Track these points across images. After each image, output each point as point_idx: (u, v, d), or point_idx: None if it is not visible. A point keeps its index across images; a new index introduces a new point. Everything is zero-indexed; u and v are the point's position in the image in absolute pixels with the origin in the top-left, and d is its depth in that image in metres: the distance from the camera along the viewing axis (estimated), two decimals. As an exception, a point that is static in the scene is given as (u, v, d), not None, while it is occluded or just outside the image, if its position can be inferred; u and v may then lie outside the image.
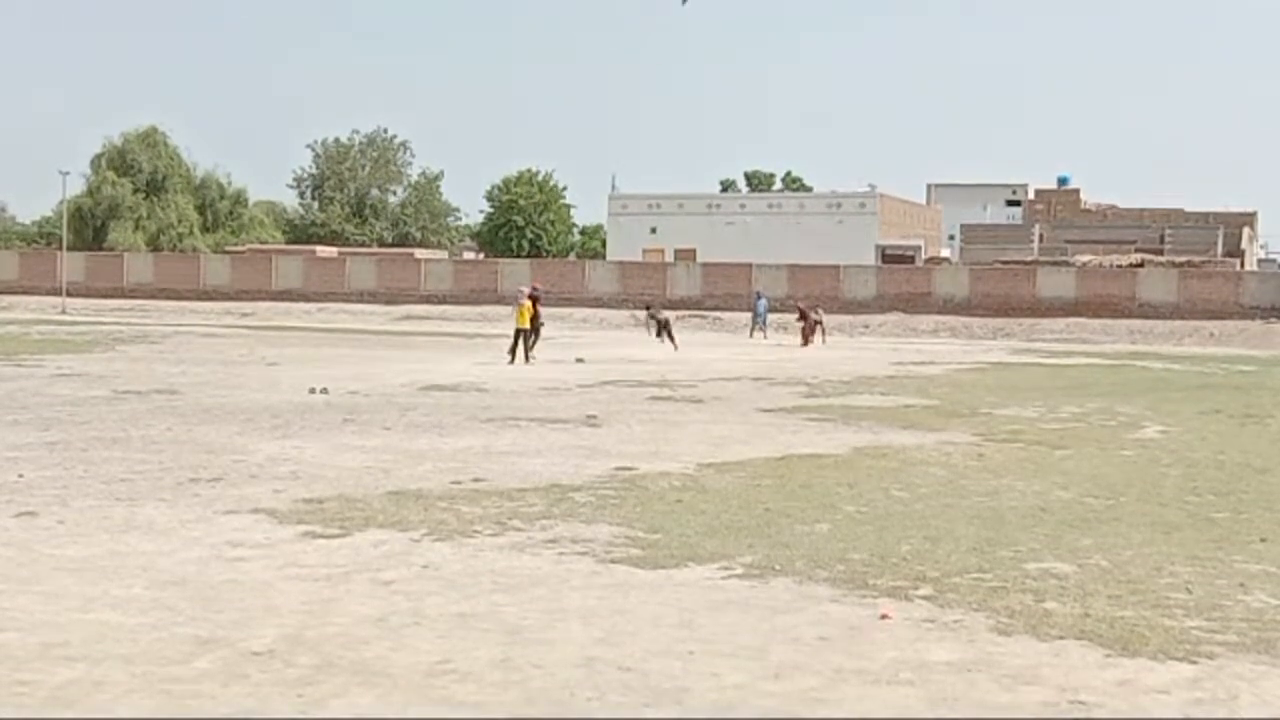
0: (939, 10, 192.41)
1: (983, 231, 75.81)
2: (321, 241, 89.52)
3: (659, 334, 40.70)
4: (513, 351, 31.73)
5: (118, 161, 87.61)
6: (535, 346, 32.91)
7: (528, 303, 32.84)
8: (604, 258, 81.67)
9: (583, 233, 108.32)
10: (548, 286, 62.72)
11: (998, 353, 42.61)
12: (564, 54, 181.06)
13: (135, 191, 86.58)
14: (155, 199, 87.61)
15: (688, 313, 56.99)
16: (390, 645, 7.21)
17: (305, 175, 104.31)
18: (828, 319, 49.19)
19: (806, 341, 44.87)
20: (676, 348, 38.11)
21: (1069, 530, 10.83)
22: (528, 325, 32.29)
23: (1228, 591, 8.74)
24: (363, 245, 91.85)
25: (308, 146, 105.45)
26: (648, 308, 45.50)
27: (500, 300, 57.88)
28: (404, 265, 68.25)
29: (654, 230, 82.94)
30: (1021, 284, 59.42)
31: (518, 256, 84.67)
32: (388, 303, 63.54)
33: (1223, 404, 23.42)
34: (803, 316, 46.36)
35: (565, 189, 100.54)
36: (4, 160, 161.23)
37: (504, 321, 39.25)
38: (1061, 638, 7.55)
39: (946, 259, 74.99)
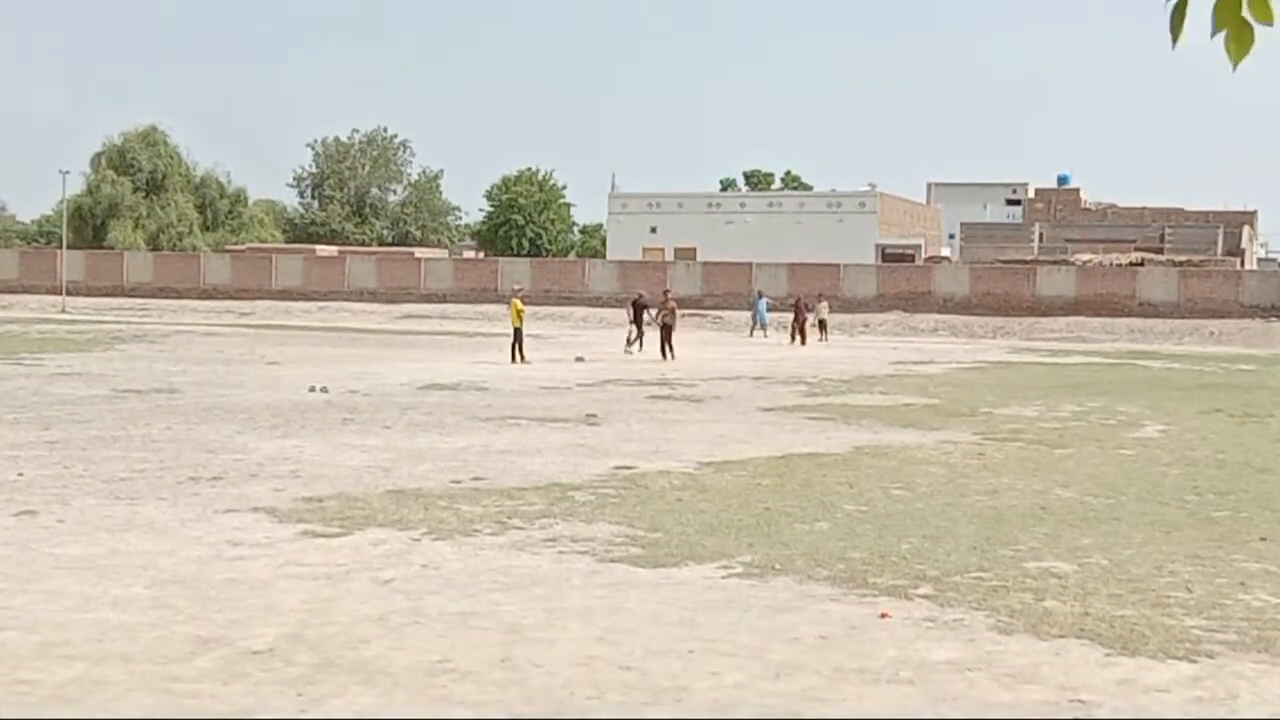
0: (939, 11, 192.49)
1: (983, 230, 75.83)
2: (321, 240, 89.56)
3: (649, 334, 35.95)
4: (514, 350, 31.74)
5: (117, 161, 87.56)
6: (639, 345, 35.67)
7: (517, 301, 33.13)
8: (604, 257, 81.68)
9: (583, 231, 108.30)
10: (547, 286, 62.99)
11: (998, 352, 42.60)
12: (564, 54, 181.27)
13: (135, 190, 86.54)
14: (155, 198, 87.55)
15: (688, 311, 56.93)
16: (390, 644, 7.20)
17: (305, 174, 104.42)
18: (829, 317, 49.12)
19: (804, 340, 44.76)
20: (670, 355, 33.54)
21: (1069, 529, 10.83)
22: (522, 324, 32.43)
23: (1228, 590, 8.74)
24: (363, 244, 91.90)
25: (307, 145, 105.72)
26: (642, 305, 37.67)
27: (500, 299, 57.83)
28: (404, 264, 68.27)
29: (654, 229, 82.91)
30: (1021, 283, 59.43)
31: (518, 255, 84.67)
32: (388, 302, 63.55)
33: (1223, 403, 23.41)
34: (797, 310, 46.12)
35: (565, 188, 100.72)
36: (4, 159, 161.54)
37: (504, 320, 39.20)
38: (1062, 636, 7.55)
39: (946, 258, 74.95)
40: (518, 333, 32.17)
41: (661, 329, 34.85)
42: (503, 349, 33.49)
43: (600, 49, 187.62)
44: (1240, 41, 3.14)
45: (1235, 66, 3.18)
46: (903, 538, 10.28)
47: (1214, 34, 3.16)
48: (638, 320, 37.39)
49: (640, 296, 39.17)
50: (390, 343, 40.47)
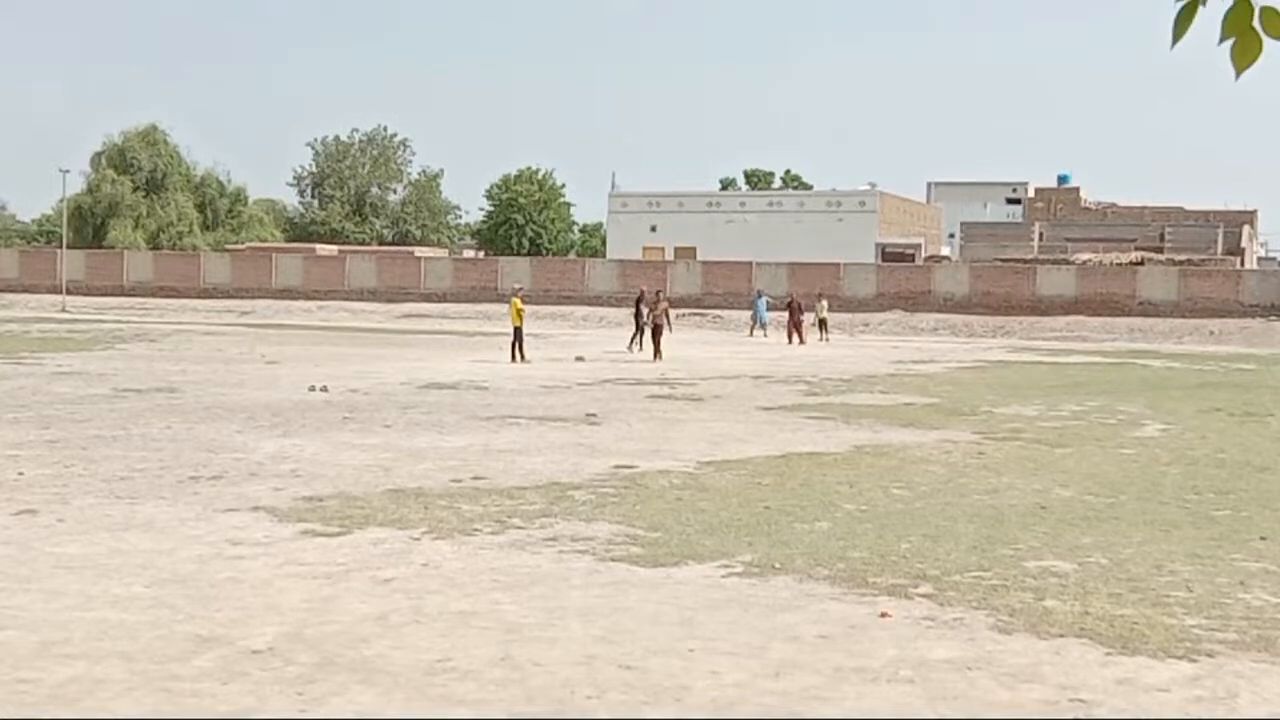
0: (939, 10, 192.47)
1: (983, 230, 75.77)
2: (321, 240, 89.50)
3: (647, 333, 35.67)
4: (514, 350, 31.75)
5: (118, 160, 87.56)
6: (639, 344, 36.01)
7: (517, 300, 33.18)
8: (604, 256, 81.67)
9: (583, 231, 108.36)
10: (547, 285, 62.99)
11: (998, 351, 42.60)
12: (564, 54, 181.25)
13: (135, 190, 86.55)
14: (155, 197, 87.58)
15: (688, 310, 56.95)
16: (390, 643, 7.20)
17: (305, 173, 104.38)
18: (829, 316, 49.05)
19: (802, 339, 44.69)
20: (658, 356, 33.52)
21: (1069, 528, 10.83)
22: (522, 323, 32.45)
23: (1228, 590, 8.74)
24: (363, 243, 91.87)
25: (307, 144, 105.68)
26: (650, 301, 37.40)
27: (500, 299, 57.86)
28: (404, 263, 68.24)
29: (654, 228, 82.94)
30: (1021, 282, 59.41)
31: (518, 255, 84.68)
32: (388, 301, 63.53)
33: (1223, 402, 23.41)
34: (792, 310, 46.02)
35: (565, 187, 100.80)
36: (4, 158, 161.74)
37: (504, 320, 39.22)
38: (1061, 636, 7.55)
39: (946, 257, 74.94)
40: (518, 332, 32.18)
41: (652, 329, 35.14)
42: (503, 348, 33.49)
43: (601, 49, 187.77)
44: (1247, 51, 3.11)
45: (1239, 75, 3.14)
46: (903, 537, 10.28)
47: (1221, 40, 3.13)
48: (638, 316, 38.19)
49: (643, 293, 39.90)
50: (390, 342, 40.47)
